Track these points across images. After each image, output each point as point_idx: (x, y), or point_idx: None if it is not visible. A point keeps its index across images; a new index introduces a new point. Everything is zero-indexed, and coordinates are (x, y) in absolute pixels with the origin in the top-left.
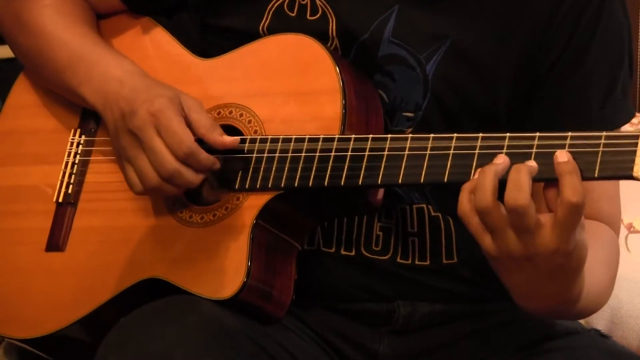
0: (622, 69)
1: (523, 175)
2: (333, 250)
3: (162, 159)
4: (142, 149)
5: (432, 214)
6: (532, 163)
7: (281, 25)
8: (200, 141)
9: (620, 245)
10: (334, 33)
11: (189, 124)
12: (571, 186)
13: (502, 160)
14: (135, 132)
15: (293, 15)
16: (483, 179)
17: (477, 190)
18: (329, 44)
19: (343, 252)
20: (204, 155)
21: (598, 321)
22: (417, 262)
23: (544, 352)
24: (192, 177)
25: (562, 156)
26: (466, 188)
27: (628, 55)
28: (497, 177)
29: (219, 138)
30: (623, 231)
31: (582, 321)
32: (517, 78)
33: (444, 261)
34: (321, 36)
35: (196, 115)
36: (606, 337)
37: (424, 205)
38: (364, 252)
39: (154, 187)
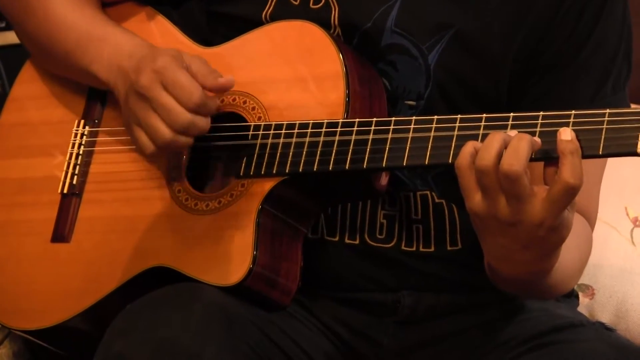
0: (614, 66)
1: (524, 143)
2: (337, 238)
3: (175, 113)
4: (152, 108)
5: (436, 200)
6: (537, 139)
7: (284, 13)
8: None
9: (625, 239)
10: (336, 22)
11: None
12: (571, 167)
13: (514, 133)
14: (143, 92)
15: (296, 3)
16: (491, 140)
17: (482, 149)
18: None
19: (347, 241)
20: (212, 101)
21: (603, 314)
22: (421, 249)
23: (548, 344)
24: (205, 124)
25: (565, 134)
26: (471, 143)
27: (625, 52)
28: (505, 144)
29: (213, 82)
30: (629, 225)
31: (586, 314)
32: (518, 66)
33: (449, 248)
34: (323, 25)
35: (195, 66)
36: (611, 330)
37: (428, 192)
38: (368, 240)
39: (167, 142)
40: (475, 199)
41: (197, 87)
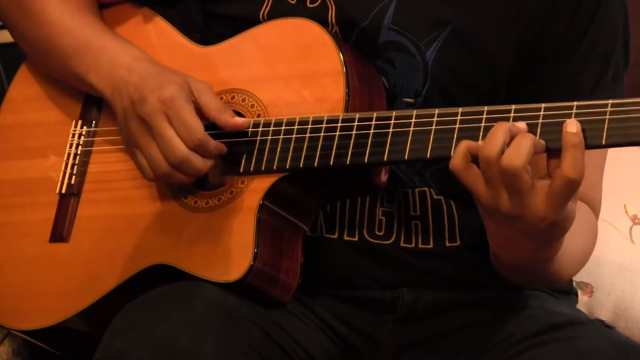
0: (613, 56)
1: (526, 141)
2: (336, 236)
3: (172, 146)
4: (152, 136)
5: (435, 197)
6: (541, 140)
7: (281, 12)
8: (208, 127)
9: (624, 237)
10: (334, 20)
11: (199, 108)
12: (572, 160)
13: (522, 125)
14: (145, 118)
15: (293, 2)
16: (497, 128)
17: (487, 139)
18: None
19: (346, 238)
20: (213, 144)
21: (602, 312)
22: (420, 246)
23: (548, 342)
24: (201, 164)
25: (571, 126)
26: (465, 143)
27: (623, 41)
28: (511, 134)
29: (230, 120)
30: (628, 222)
31: (585, 312)
32: (517, 61)
33: (447, 244)
34: (321, 23)
35: (206, 98)
36: (610, 328)
37: (426, 189)
38: (367, 237)
39: (163, 174)
40: (479, 192)
41: (199, 126)
